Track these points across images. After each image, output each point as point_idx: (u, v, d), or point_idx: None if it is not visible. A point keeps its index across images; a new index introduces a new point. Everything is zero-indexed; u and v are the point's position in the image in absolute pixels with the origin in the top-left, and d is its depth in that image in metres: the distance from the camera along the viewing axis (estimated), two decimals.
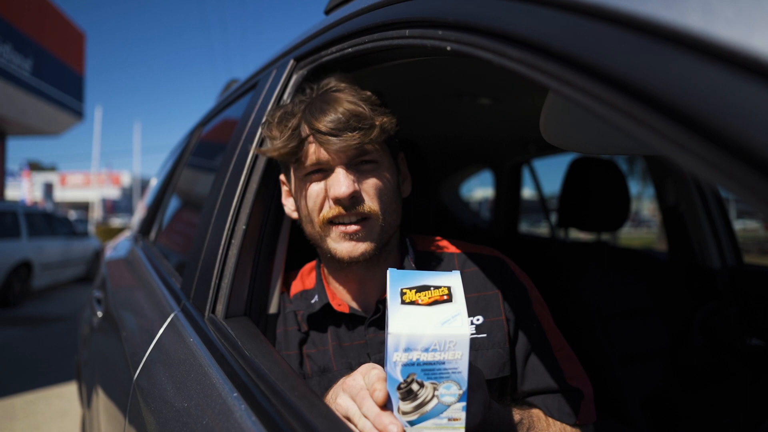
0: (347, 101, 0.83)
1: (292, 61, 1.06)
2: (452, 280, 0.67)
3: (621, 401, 1.45)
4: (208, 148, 1.89)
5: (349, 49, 0.86)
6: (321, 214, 0.87)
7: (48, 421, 3.49)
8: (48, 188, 21.56)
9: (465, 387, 0.59)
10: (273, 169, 1.03)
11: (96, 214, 29.55)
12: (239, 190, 1.02)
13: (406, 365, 0.58)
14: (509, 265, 0.99)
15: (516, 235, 3.08)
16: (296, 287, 1.03)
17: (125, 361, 1.20)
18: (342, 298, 0.96)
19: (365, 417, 0.61)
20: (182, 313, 1.10)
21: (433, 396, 0.59)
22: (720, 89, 0.30)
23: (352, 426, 0.63)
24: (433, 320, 0.60)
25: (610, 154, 1.78)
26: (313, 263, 1.06)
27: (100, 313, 1.89)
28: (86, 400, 2.00)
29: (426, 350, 0.58)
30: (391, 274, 0.68)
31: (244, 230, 0.99)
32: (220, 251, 0.99)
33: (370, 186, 0.86)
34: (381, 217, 0.87)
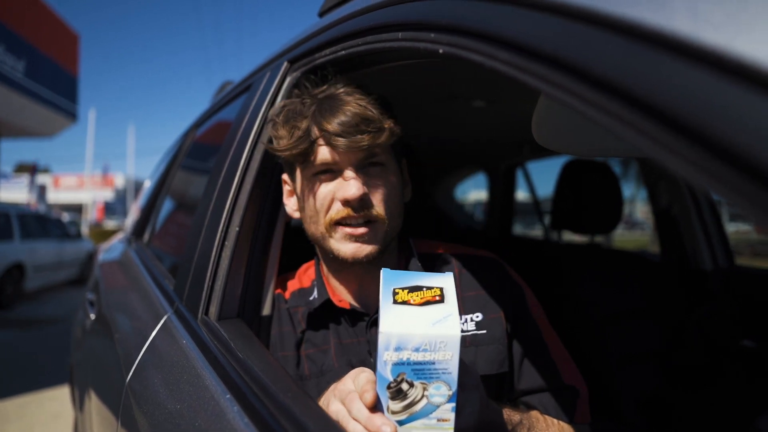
0: (356, 104, 0.84)
1: (286, 63, 1.06)
2: (445, 281, 0.67)
3: (618, 402, 1.46)
4: (201, 150, 1.89)
5: (343, 52, 0.87)
6: (328, 215, 0.87)
7: (41, 424, 3.47)
8: (41, 190, 21.45)
9: (455, 388, 0.59)
10: (267, 171, 1.03)
11: (89, 216, 29.40)
12: (233, 192, 1.02)
13: (396, 364, 0.59)
14: (506, 267, 1.01)
15: (510, 237, 3.09)
16: (293, 286, 1.03)
17: (118, 364, 1.20)
18: (342, 296, 0.97)
19: (355, 420, 0.61)
20: (175, 315, 1.09)
21: (423, 396, 0.59)
22: (706, 92, 0.30)
23: (343, 430, 0.63)
24: (425, 320, 0.60)
25: (602, 156, 1.79)
26: (310, 263, 1.06)
27: (92, 315, 1.88)
28: (79, 403, 1.99)
29: (416, 350, 0.58)
30: (384, 274, 0.67)
31: (237, 232, 0.98)
32: (214, 253, 0.99)
33: (377, 189, 0.87)
34: (387, 221, 0.88)
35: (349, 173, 0.85)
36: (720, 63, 0.30)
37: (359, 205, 0.85)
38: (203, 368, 0.84)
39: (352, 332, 0.93)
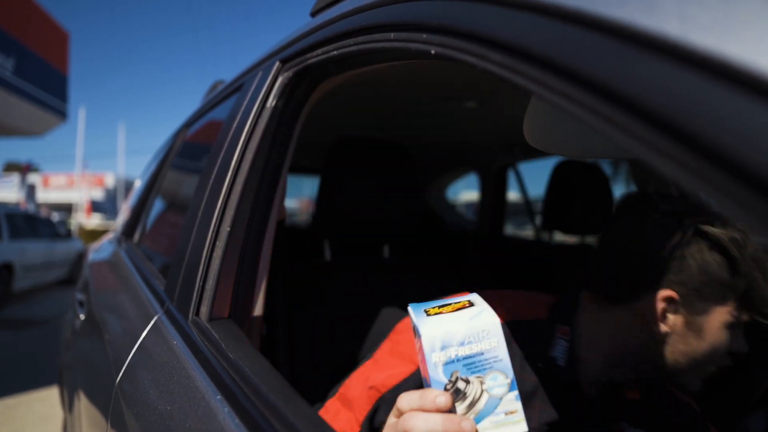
0: None
1: (277, 63, 1.05)
2: (471, 296, 0.67)
3: None
4: (193, 150, 1.88)
5: (335, 52, 0.87)
6: (716, 362, 0.83)
7: (30, 426, 3.44)
8: (31, 189, 21.23)
9: (511, 375, 0.59)
10: (258, 170, 1.02)
11: (79, 215, 29.16)
12: (224, 192, 1.01)
13: (446, 364, 0.58)
14: None
15: (501, 237, 3.10)
16: (529, 314, 0.93)
17: (108, 365, 1.19)
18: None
19: None
20: (166, 315, 1.09)
21: (482, 391, 0.58)
22: (694, 94, 0.30)
23: None
24: (462, 318, 0.60)
25: (594, 157, 1.80)
26: (539, 301, 0.97)
27: (82, 316, 1.87)
28: (68, 405, 1.98)
29: (462, 344, 0.58)
30: (412, 306, 0.68)
31: (228, 232, 0.98)
32: (205, 253, 0.99)
33: None
34: None
35: (741, 331, 0.82)
36: (708, 65, 0.30)
37: None
38: (194, 369, 0.83)
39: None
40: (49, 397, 3.85)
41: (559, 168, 1.81)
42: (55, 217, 15.57)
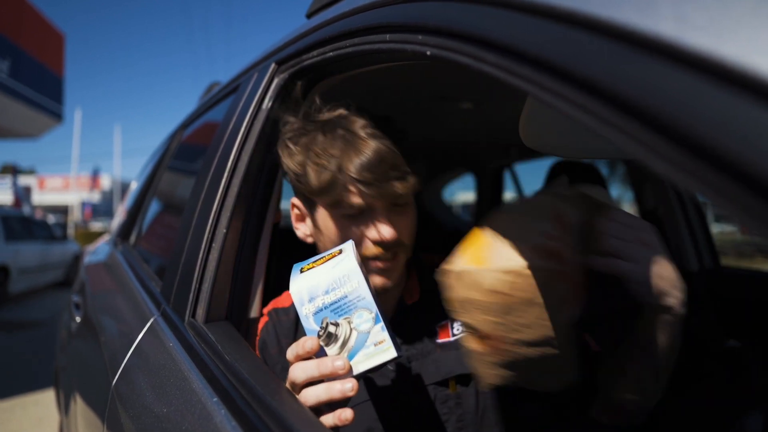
0: (384, 147, 0.82)
1: (273, 65, 1.05)
2: (344, 244, 0.74)
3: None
4: (189, 151, 1.88)
5: (331, 53, 0.87)
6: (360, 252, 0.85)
7: (25, 429, 3.42)
8: (26, 192, 21.15)
9: (375, 310, 0.65)
10: (254, 172, 1.02)
11: (76, 217, 29.05)
12: (220, 193, 1.01)
13: (316, 313, 0.65)
14: None
15: None
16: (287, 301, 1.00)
17: (104, 367, 1.19)
18: None
19: (308, 380, 0.65)
20: (162, 317, 1.09)
21: (351, 330, 0.65)
22: (690, 95, 0.30)
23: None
24: (325, 269, 0.67)
25: (590, 157, 1.80)
26: None
27: (78, 318, 1.86)
28: (64, 407, 1.97)
29: (327, 292, 0.65)
30: (294, 266, 0.73)
31: (224, 234, 0.98)
32: (201, 255, 0.99)
33: (403, 226, 0.88)
34: (408, 251, 0.91)
35: (383, 216, 0.84)
36: (703, 65, 0.30)
37: (391, 245, 0.85)
38: (190, 371, 0.83)
39: None
40: (45, 399, 3.83)
41: (555, 168, 1.81)
42: (51, 219, 15.52)
